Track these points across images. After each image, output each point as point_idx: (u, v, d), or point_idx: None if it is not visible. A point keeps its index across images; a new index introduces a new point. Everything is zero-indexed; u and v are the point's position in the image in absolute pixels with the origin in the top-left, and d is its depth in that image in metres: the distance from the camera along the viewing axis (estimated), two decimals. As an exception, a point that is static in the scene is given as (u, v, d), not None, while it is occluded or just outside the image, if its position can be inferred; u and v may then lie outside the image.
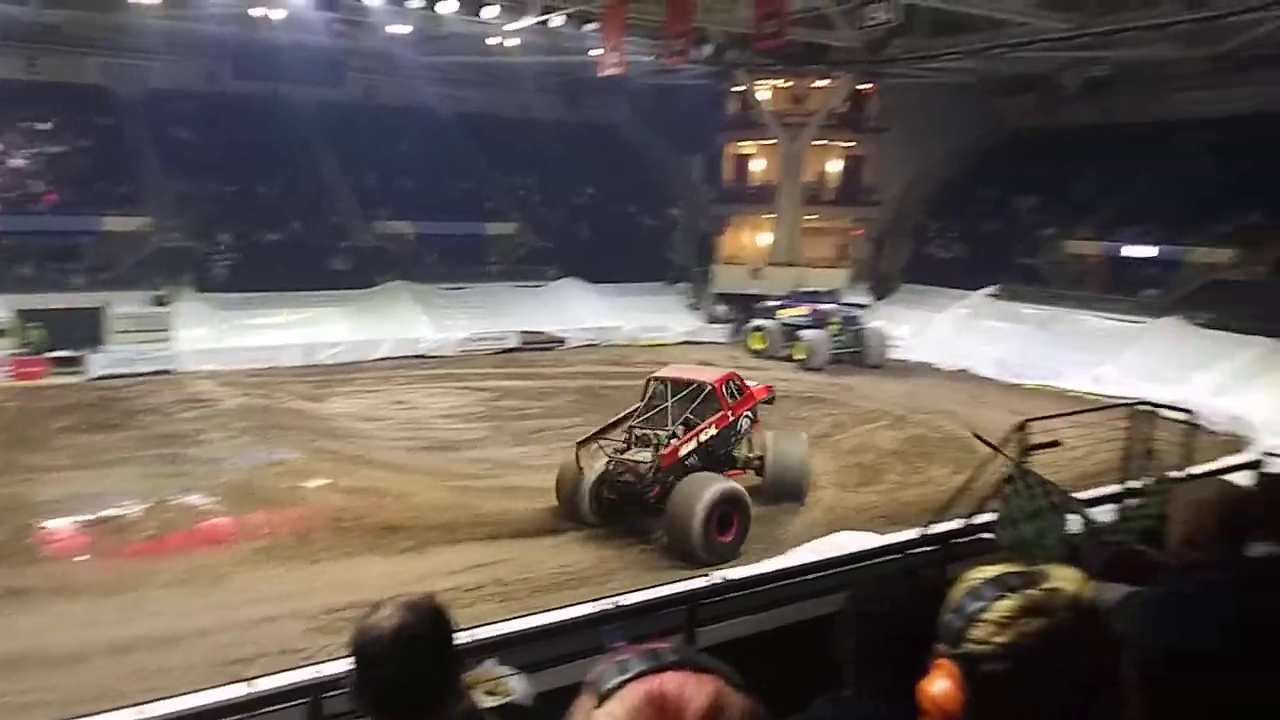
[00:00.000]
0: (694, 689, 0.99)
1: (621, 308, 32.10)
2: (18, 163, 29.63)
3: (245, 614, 10.63)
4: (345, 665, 2.43)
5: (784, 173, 35.23)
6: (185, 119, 32.50)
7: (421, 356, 27.35)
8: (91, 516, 13.38)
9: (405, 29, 28.26)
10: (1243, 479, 4.96)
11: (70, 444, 17.38)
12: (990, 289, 30.97)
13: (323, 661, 5.59)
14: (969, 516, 6.99)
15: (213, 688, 4.72)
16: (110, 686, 8.57)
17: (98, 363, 23.66)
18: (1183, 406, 8.83)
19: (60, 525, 13.12)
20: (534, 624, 5.31)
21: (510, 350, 28.85)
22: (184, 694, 5.17)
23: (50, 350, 23.72)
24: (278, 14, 27.05)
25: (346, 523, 13.48)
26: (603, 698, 1.01)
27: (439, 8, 24.59)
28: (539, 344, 29.56)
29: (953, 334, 29.99)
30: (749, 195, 37.65)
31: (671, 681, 1.00)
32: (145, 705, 4.25)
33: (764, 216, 36.59)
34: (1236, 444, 17.85)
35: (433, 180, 34.30)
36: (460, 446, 18.29)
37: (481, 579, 11.63)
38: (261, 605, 10.88)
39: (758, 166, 37.99)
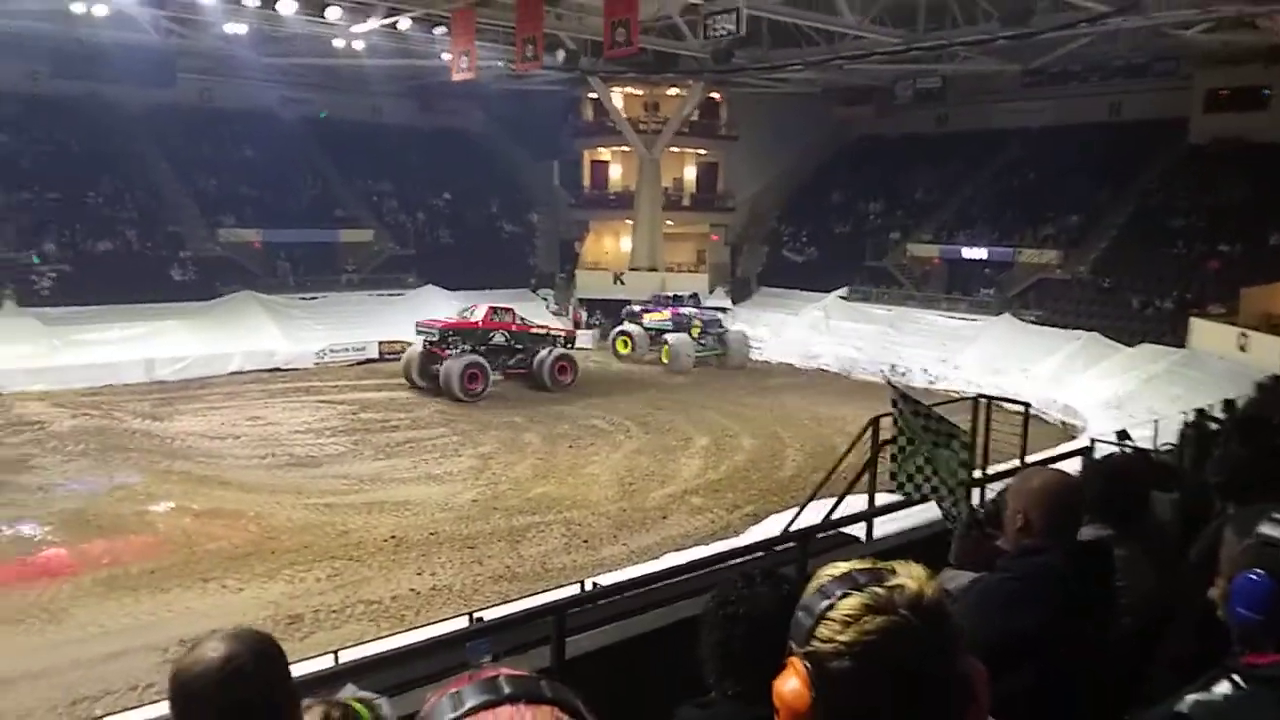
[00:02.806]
0: None
1: (484, 315, 31.72)
2: None
3: (90, 650, 9.97)
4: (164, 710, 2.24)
5: (642, 179, 35.73)
6: (2, 122, 30.05)
7: (276, 370, 26.22)
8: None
9: (242, 28, 26.99)
10: (1073, 466, 5.39)
11: (-126, 477, 15.80)
12: (841, 290, 32.37)
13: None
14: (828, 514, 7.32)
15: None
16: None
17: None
18: (1019, 399, 9.45)
19: None
20: (399, 644, 5.22)
21: (370, 361, 28.06)
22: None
23: None
24: (100, 10, 25.32)
25: (199, 547, 12.85)
26: None
27: (278, 7, 23.59)
28: (400, 354, 28.85)
29: (808, 335, 31.21)
30: (608, 201, 38.04)
31: (508, 715, 0.98)
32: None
33: (624, 222, 37.02)
34: (1069, 432, 19.36)
35: (279, 186, 32.95)
36: (320, 462, 17.67)
37: (347, 598, 11.31)
38: (108, 640, 10.23)
39: (616, 172, 38.43)
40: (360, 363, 27.90)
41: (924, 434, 5.70)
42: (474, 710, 0.99)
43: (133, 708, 7.34)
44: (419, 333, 24.81)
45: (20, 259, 27.00)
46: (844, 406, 22.44)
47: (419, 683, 4.47)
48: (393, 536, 13.58)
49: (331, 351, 27.83)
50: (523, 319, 26.29)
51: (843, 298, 32.32)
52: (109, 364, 24.00)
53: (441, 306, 30.97)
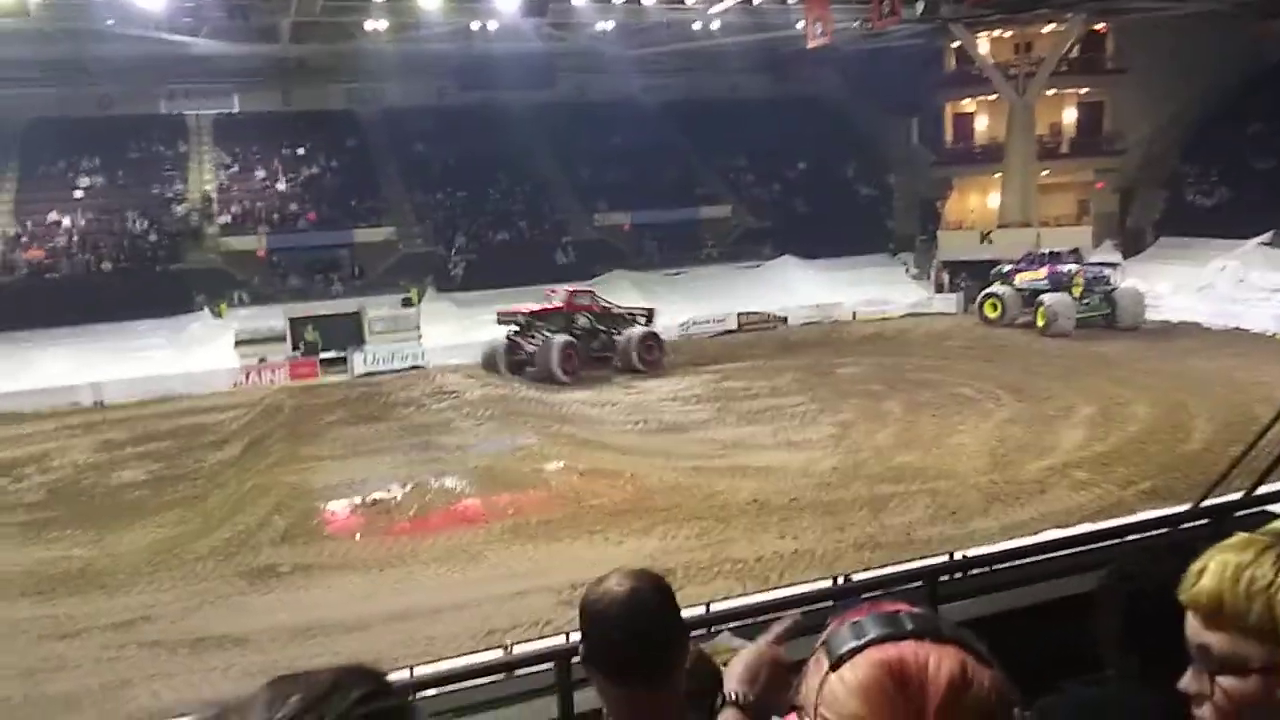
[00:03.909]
0: (937, 660, 0.92)
1: (842, 283, 31.42)
2: (281, 187, 33.19)
3: (499, 588, 11.37)
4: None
5: (1012, 127, 32.96)
6: (419, 133, 35.09)
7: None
8: (363, 500, 14.78)
9: (609, 24, 29.00)
10: None
11: (340, 435, 19.25)
12: (1264, 236, 27.57)
13: (570, 632, 5.88)
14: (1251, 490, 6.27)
15: (475, 652, 5.11)
16: (387, 652, 9.46)
17: (359, 361, 26.13)
18: None
19: (338, 508, 14.58)
20: (767, 598, 5.34)
21: (730, 332, 28.98)
22: (451, 657, 5.64)
23: (320, 352, 26.46)
24: (493, 24, 28.62)
25: (584, 503, 14.11)
26: (836, 662, 0.96)
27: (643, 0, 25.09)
28: (759, 324, 29.52)
29: (1220, 289, 27.00)
30: (974, 155, 35.56)
31: (911, 651, 0.93)
32: (423, 666, 4.67)
33: (992, 176, 34.46)
34: None
35: (645, 170, 35.07)
36: (687, 428, 18.63)
37: (715, 556, 11.81)
38: (513, 580, 11.60)
39: (982, 124, 35.77)
40: (721, 334, 28.89)
41: None
42: (875, 642, 0.95)
43: (536, 639, 8.25)
44: (501, 322, 24.12)
45: (437, 252, 31.51)
46: (1271, 370, 19.16)
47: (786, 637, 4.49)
48: (755, 500, 13.92)
49: (694, 324, 29.11)
50: (604, 302, 25.22)
51: (1265, 244, 27.49)
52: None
53: (798, 276, 31.16)
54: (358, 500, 14.77)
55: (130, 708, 7.65)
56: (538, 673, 4.75)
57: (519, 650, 5.12)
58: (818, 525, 12.86)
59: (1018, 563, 5.38)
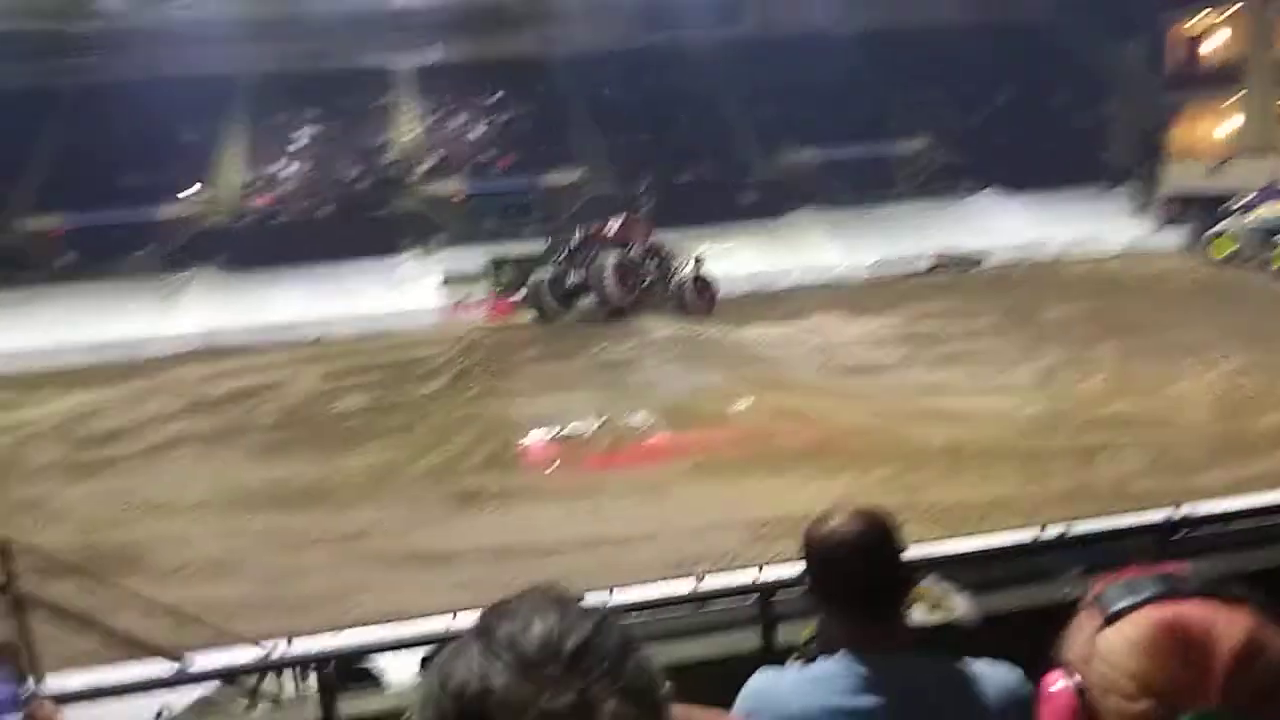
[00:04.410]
0: (1225, 623, 0.86)
1: (1049, 219, 29.36)
2: (476, 134, 34.57)
3: (686, 522, 11.61)
4: (792, 568, 2.54)
5: (1252, 45, 29.47)
6: (606, 76, 35.44)
7: (831, 284, 27.45)
8: (557, 433, 15.43)
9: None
10: None
11: (534, 371, 20.13)
12: None
13: (765, 565, 5.93)
14: None
15: (671, 579, 5.25)
16: (581, 576, 9.92)
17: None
18: None
19: (534, 440, 15.31)
20: (979, 545, 5.18)
21: (924, 272, 27.85)
22: (647, 582, 5.83)
23: (516, 292, 27.59)
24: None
25: (770, 443, 14.11)
26: (1110, 618, 0.92)
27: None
28: (955, 264, 28.18)
29: None
30: (1205, 77, 32.10)
31: (1196, 611, 0.88)
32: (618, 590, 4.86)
33: (1225, 102, 31.02)
34: None
35: (834, 105, 33.91)
36: (877, 371, 18.17)
37: (907, 500, 11.52)
38: (700, 515, 11.80)
39: (1215, 42, 32.17)
40: (914, 274, 27.82)
41: None
42: (1155, 599, 0.91)
43: (726, 569, 8.39)
44: (547, 250, 22.79)
45: (622, 194, 31.91)
46: None
47: (997, 585, 4.40)
48: (950, 446, 13.44)
49: (885, 264, 28.17)
50: (657, 237, 23.41)
51: None
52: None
53: (1000, 212, 29.50)
54: (552, 433, 15.44)
55: (357, 612, 8.43)
56: (729, 607, 4.85)
57: (713, 582, 5.23)
58: (1019, 474, 12.28)
59: (1257, 523, 4.97)
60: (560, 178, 32.57)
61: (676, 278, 23.44)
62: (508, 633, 0.87)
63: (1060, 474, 12.30)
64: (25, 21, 33.01)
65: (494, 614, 0.92)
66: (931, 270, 27.82)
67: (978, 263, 28.25)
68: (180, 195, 32.56)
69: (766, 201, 31.32)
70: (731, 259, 28.04)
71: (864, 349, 19.94)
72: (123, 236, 30.74)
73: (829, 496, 11.84)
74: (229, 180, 33.54)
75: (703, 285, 23.63)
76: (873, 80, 35.00)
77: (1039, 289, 24.55)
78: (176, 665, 3.80)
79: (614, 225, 23.39)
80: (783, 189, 31.90)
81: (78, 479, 14.76)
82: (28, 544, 6.26)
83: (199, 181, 33.06)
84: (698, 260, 24.18)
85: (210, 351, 24.61)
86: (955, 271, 27.71)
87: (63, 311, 27.19)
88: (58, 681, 3.63)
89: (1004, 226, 29.46)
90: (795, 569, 3.21)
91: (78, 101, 34.70)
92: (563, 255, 22.75)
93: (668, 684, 0.92)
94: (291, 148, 34.24)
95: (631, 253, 23.18)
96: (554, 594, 0.95)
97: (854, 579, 1.97)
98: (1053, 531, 5.11)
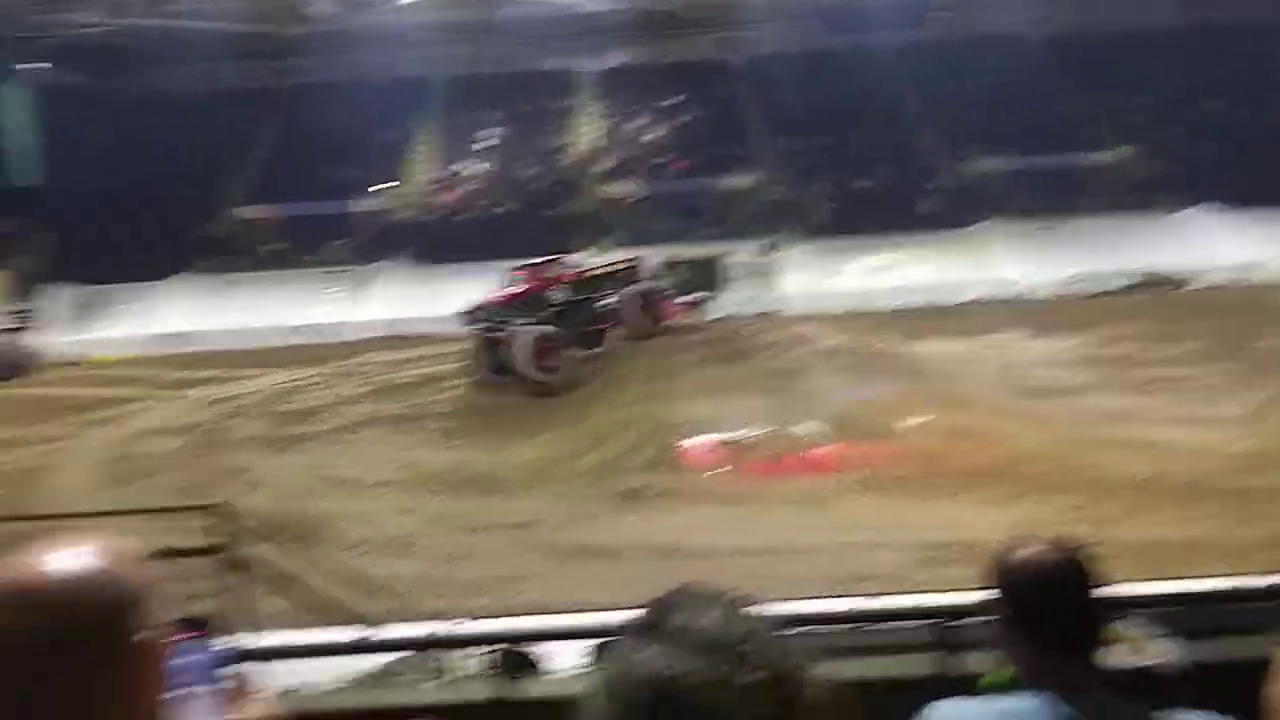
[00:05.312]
0: None
1: (1267, 240, 26.83)
2: (653, 136, 35.06)
3: (847, 538, 11.32)
4: (973, 595, 2.43)
5: None
6: (785, 80, 35.09)
7: (1014, 300, 26.10)
8: (717, 437, 15.38)
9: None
10: None
11: (698, 375, 20.06)
12: None
13: (942, 591, 5.67)
14: None
15: (830, 596, 5.09)
16: (742, 581, 9.80)
17: (718, 306, 27.00)
18: None
19: (694, 443, 15.31)
20: (1179, 589, 4.77)
21: (1117, 292, 26.04)
22: (811, 598, 5.68)
23: (685, 294, 27.70)
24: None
25: (941, 462, 13.54)
26: None
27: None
28: (1152, 284, 26.20)
29: None
30: None
31: None
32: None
33: None
34: None
35: (1022, 112, 32.28)
36: (1063, 393, 17.10)
37: (1099, 534, 10.77)
38: (862, 532, 11.48)
39: None
40: (1106, 294, 26.07)
41: None
42: None
43: (892, 593, 8.10)
44: (470, 323, 19.66)
45: (797, 199, 31.55)
46: None
47: (1198, 633, 4.11)
48: (1144, 479, 12.49)
49: (1075, 281, 26.54)
50: (576, 265, 20.70)
51: None
52: (861, 291, 26.68)
53: (1209, 229, 27.31)
54: (714, 437, 15.40)
55: (523, 599, 8.72)
56: (894, 628, 4.65)
57: (877, 603, 5.03)
58: (1224, 514, 11.27)
59: None
60: (734, 181, 32.52)
61: (619, 301, 20.60)
62: (680, 624, 0.95)
63: (1272, 517, 11.20)
64: (243, 25, 36.05)
65: (658, 609, 1.00)
66: (1126, 289, 25.98)
67: (1178, 285, 26.15)
68: (374, 190, 34.71)
69: (948, 211, 30.14)
70: (901, 270, 27.23)
71: (1049, 370, 18.82)
72: (322, 227, 33.06)
73: (1006, 524, 11.30)
74: (419, 177, 35.52)
75: (649, 301, 21.05)
76: (1065, 88, 32.96)
77: (1253, 314, 22.41)
78: (366, 632, 4.01)
79: (531, 274, 20.43)
80: (965, 198, 30.62)
81: (276, 452, 16.00)
82: (235, 510, 6.82)
83: (392, 178, 35.17)
84: (652, 275, 21.71)
85: (396, 339, 26.07)
86: (1156, 292, 25.78)
87: (266, 296, 29.56)
88: (252, 640, 3.89)
89: (1210, 246, 27.12)
90: (969, 596, 3.06)
91: (286, 100, 37.64)
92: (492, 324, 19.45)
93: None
94: (477, 147, 35.87)
95: (557, 300, 19.83)
96: (707, 589, 1.07)
97: (1051, 613, 1.97)
98: (1263, 581, 4.64)
